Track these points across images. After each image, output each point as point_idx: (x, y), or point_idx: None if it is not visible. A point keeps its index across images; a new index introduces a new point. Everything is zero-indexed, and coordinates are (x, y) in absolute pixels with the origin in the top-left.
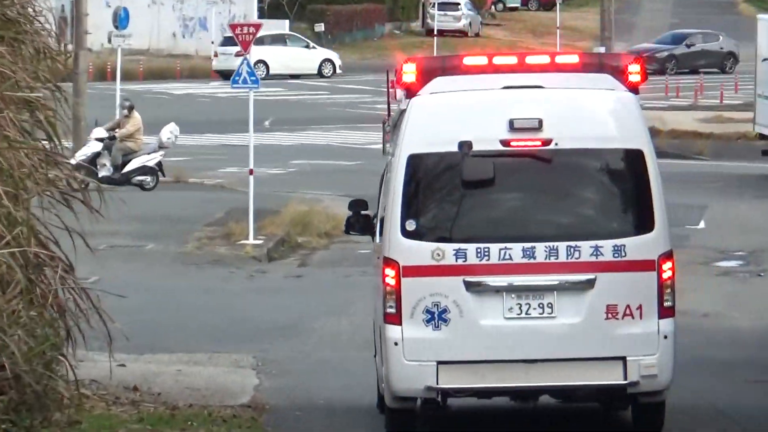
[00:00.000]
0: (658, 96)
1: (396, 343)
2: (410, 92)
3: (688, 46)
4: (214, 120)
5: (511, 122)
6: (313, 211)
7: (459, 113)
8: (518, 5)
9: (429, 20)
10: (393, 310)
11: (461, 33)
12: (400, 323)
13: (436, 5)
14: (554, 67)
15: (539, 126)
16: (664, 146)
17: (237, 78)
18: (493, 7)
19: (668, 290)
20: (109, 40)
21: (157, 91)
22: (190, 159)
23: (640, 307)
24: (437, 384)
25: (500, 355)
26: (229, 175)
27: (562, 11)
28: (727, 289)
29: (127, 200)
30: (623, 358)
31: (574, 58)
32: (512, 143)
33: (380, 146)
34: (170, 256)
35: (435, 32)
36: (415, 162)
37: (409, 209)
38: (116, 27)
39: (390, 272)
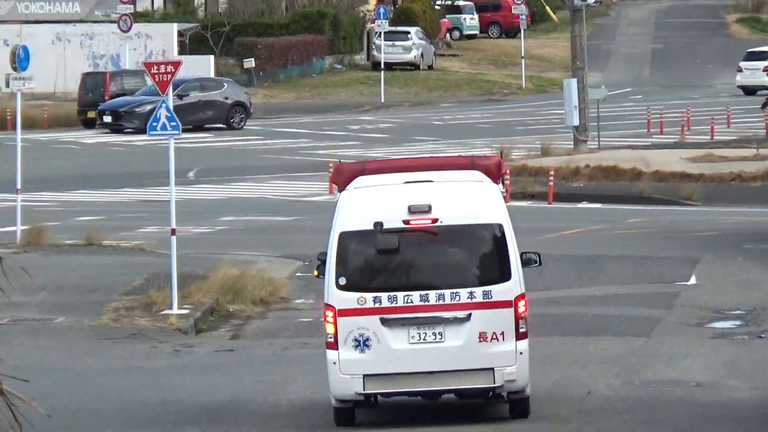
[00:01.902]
0: (639, 133)
1: (334, 363)
2: (340, 187)
3: (181, 97)
4: (130, 172)
5: (409, 207)
6: (246, 275)
7: (374, 201)
8: (477, 33)
9: (375, 52)
10: (332, 339)
11: (412, 66)
12: (336, 348)
13: (382, 35)
14: (441, 167)
15: (429, 209)
16: (648, 191)
17: (155, 124)
18: (448, 35)
19: (522, 320)
20: (7, 84)
21: (65, 141)
22: (104, 218)
23: (503, 333)
24: (364, 390)
25: (407, 369)
26: (148, 235)
27: (528, 38)
28: (724, 355)
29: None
30: (492, 369)
31: (454, 161)
32: (411, 222)
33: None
34: (83, 331)
35: (382, 66)
36: (344, 237)
37: (340, 270)
38: (14, 68)
39: (329, 313)
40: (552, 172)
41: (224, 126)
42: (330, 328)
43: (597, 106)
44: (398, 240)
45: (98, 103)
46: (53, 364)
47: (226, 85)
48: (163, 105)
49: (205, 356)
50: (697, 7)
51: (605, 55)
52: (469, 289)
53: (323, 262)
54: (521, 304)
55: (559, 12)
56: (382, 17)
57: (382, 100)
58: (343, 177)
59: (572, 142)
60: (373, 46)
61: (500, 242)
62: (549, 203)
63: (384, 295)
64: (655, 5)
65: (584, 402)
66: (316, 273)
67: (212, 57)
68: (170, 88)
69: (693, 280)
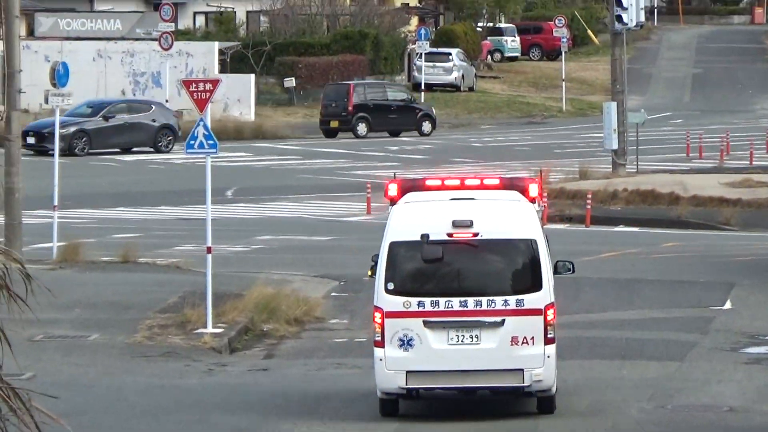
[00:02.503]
0: (678, 157)
1: (381, 359)
2: (392, 201)
3: (107, 119)
4: (168, 190)
5: (453, 221)
6: (281, 295)
7: (422, 215)
8: (518, 55)
9: (416, 73)
10: (379, 338)
11: (452, 87)
12: (383, 346)
13: (423, 56)
14: (483, 186)
15: (471, 224)
16: (685, 215)
17: (192, 142)
18: (489, 57)
19: (550, 327)
20: (46, 100)
21: (103, 158)
22: (141, 235)
23: (533, 338)
24: (406, 384)
25: (446, 367)
26: (185, 253)
27: (569, 61)
28: (758, 380)
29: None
30: (522, 370)
31: (495, 181)
32: (454, 235)
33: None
34: (117, 348)
35: (422, 87)
36: (393, 246)
37: (389, 276)
38: (54, 85)
39: (377, 315)
40: (590, 196)
41: (152, 149)
42: (378, 328)
43: (636, 129)
44: (442, 251)
45: (341, 113)
46: (86, 381)
47: (154, 107)
48: (201, 123)
49: (238, 375)
50: (737, 33)
51: (646, 78)
52: (504, 297)
53: (376, 263)
54: (550, 312)
55: (601, 35)
56: (423, 38)
57: None
58: (394, 192)
59: (611, 166)
60: (414, 67)
61: (533, 256)
62: (586, 226)
63: (427, 300)
64: (696, 30)
65: (617, 425)
66: (369, 273)
67: (253, 76)
68: (209, 107)
69: (728, 305)
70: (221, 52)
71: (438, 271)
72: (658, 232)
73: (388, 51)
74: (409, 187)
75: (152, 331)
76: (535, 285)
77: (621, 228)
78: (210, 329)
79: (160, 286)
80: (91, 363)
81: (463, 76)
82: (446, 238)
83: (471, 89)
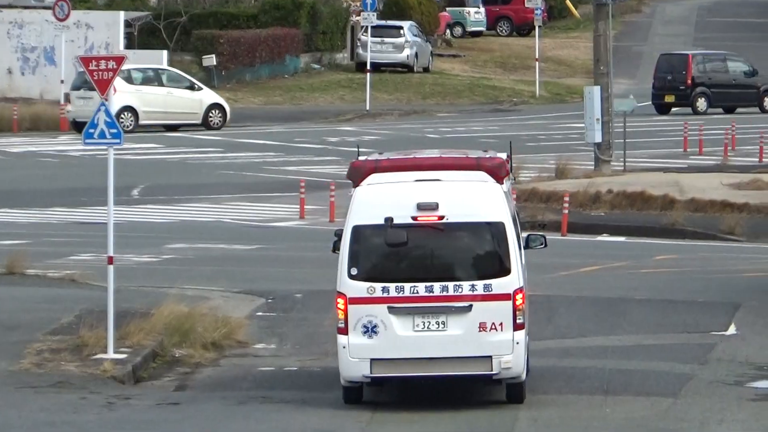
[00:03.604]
0: (674, 153)
1: (344, 347)
2: (355, 183)
3: None
4: (62, 188)
5: (418, 204)
6: (197, 314)
7: (385, 198)
8: (483, 29)
9: (360, 50)
10: (342, 325)
11: (404, 67)
12: (346, 333)
13: (369, 30)
14: (449, 167)
15: (436, 207)
16: (681, 222)
17: (92, 131)
18: (448, 32)
19: (519, 312)
20: None
21: None
22: (30, 242)
23: (501, 324)
24: (371, 373)
25: (412, 355)
26: (81, 264)
27: (544, 37)
28: (767, 420)
29: None
30: (490, 357)
31: (462, 161)
32: (419, 218)
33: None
34: None
35: (368, 67)
36: (356, 230)
37: (352, 261)
38: None
39: (340, 301)
40: (567, 198)
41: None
42: (341, 315)
43: (624, 119)
44: (407, 234)
45: (678, 86)
46: None
47: None
48: (102, 108)
49: (144, 411)
50: (745, 5)
51: (636, 58)
52: (471, 282)
53: (340, 238)
54: (519, 297)
55: (582, 7)
56: (369, 9)
57: (368, 108)
58: (357, 173)
59: (593, 163)
60: (358, 44)
61: (501, 239)
62: (563, 234)
63: (392, 286)
64: (696, 1)
65: None
66: (332, 250)
67: (166, 52)
68: (111, 89)
69: (732, 330)
70: (128, 24)
71: (403, 256)
72: (648, 243)
73: (327, 24)
74: (371, 167)
75: (42, 357)
76: (504, 269)
77: (604, 237)
78: (111, 355)
79: (52, 302)
80: None
81: (416, 54)
82: (411, 221)
83: (426, 70)
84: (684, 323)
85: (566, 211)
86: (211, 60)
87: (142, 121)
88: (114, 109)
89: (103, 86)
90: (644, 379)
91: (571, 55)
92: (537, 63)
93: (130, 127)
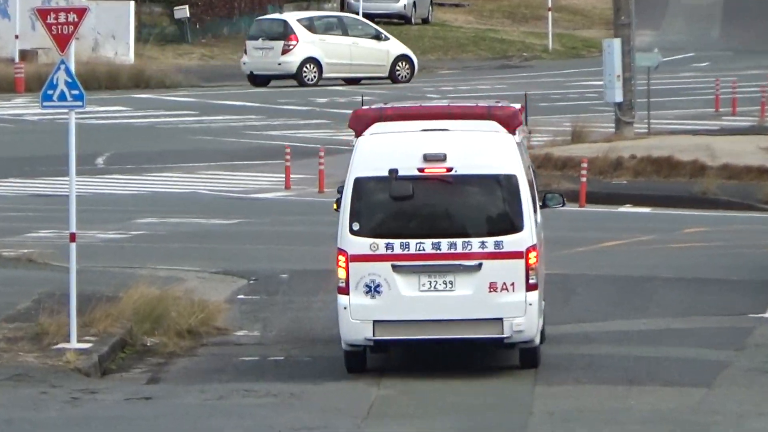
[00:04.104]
0: (704, 113)
1: (345, 308)
2: (357, 133)
3: None
4: (18, 157)
5: (425, 155)
6: (170, 297)
7: (390, 149)
8: None
9: (351, 0)
10: (343, 285)
11: (400, 19)
12: (348, 293)
13: None
14: (458, 116)
15: (444, 158)
16: (713, 191)
17: (51, 92)
18: None
19: (532, 271)
20: None
21: None
22: None
23: (513, 284)
24: (374, 336)
25: (417, 316)
26: (40, 242)
27: None
28: None
29: None
30: (501, 319)
31: (471, 110)
32: (425, 170)
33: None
34: None
35: (360, 17)
36: (359, 183)
37: (354, 216)
38: None
39: (341, 258)
40: (585, 165)
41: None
42: (342, 273)
43: (647, 76)
44: (412, 187)
45: None
46: None
47: None
48: (62, 67)
49: (112, 406)
50: None
51: (661, 6)
52: (480, 239)
53: (342, 195)
54: (532, 255)
55: None
56: None
57: None
58: (360, 122)
59: (613, 125)
60: None
61: (513, 193)
62: (581, 206)
63: (396, 242)
64: None
65: None
66: (335, 207)
67: (132, 3)
68: (72, 44)
69: None
70: None
71: (408, 211)
72: (676, 214)
73: None
74: (375, 116)
75: None
76: (516, 225)
77: (627, 208)
78: (74, 344)
79: (7, 285)
80: None
81: (414, 3)
82: (417, 173)
83: (425, 21)
84: (717, 305)
85: (584, 180)
86: (183, 11)
87: (326, 74)
88: (297, 59)
89: (63, 42)
90: (673, 367)
91: (587, 3)
92: (550, 13)
93: (314, 81)
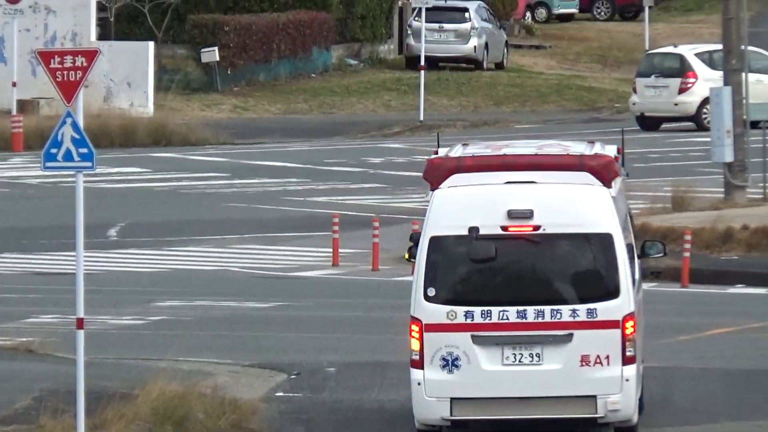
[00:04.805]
0: None
1: (419, 383)
2: (433, 185)
3: None
4: (17, 227)
5: (509, 212)
6: (195, 395)
7: (470, 204)
8: (575, 11)
9: (411, 41)
10: (417, 357)
11: (470, 63)
12: (422, 367)
13: (423, 13)
14: (546, 167)
15: (531, 215)
16: None
17: (54, 150)
18: (529, 15)
19: (630, 343)
20: None
21: None
22: None
23: (607, 357)
24: (451, 415)
25: (500, 393)
26: (41, 328)
27: (656, 21)
28: None
29: None
30: (594, 397)
31: (562, 160)
32: (510, 228)
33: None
34: None
35: (422, 62)
36: (434, 242)
37: (429, 279)
38: None
39: (415, 328)
40: (689, 237)
41: None
42: (415, 345)
43: (763, 131)
44: (495, 248)
45: None
46: None
47: None
48: (69, 120)
49: None
50: None
51: None
52: (571, 307)
53: (416, 244)
54: (629, 324)
55: None
56: None
57: (421, 118)
58: (436, 174)
59: (722, 189)
60: (409, 31)
61: (608, 254)
62: (684, 286)
63: (477, 310)
64: None
65: None
66: (406, 257)
67: (152, 44)
68: (80, 94)
69: None
70: (101, 7)
71: (490, 274)
72: None
73: (367, 6)
74: (453, 166)
75: None
76: (611, 291)
77: (739, 288)
78: None
79: (3, 380)
80: None
81: (486, 45)
82: (500, 232)
83: (499, 66)
84: None
85: (688, 254)
86: (212, 54)
87: None
88: (697, 100)
89: (70, 90)
90: None
91: (693, 41)
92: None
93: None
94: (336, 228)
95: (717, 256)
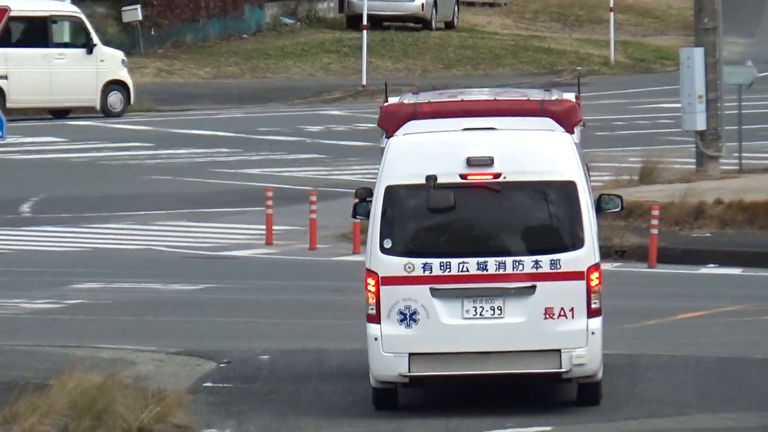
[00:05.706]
0: None
1: (376, 339)
2: (388, 132)
3: None
4: None
5: (468, 159)
6: (116, 386)
7: (427, 152)
8: None
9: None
10: (373, 312)
11: (417, 22)
12: (378, 322)
13: None
14: (506, 112)
15: (491, 162)
16: None
17: None
18: None
19: (595, 295)
20: None
21: None
22: None
23: (572, 309)
24: (409, 372)
25: (460, 348)
26: None
27: None
28: None
29: None
30: (558, 351)
31: (522, 105)
32: (469, 177)
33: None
34: None
35: (365, 21)
36: (390, 192)
37: (385, 230)
38: None
39: (371, 281)
40: (657, 212)
41: None
42: (371, 299)
43: (739, 97)
44: (454, 197)
45: None
46: None
47: None
48: None
49: None
50: None
51: (756, 8)
52: (534, 257)
53: (363, 200)
54: (594, 276)
55: None
56: None
57: (364, 82)
58: (392, 121)
59: (693, 160)
60: None
61: (572, 203)
62: (651, 266)
63: (435, 262)
64: None
65: None
66: (353, 215)
67: (68, 2)
68: None
69: None
70: None
71: (449, 224)
72: None
73: None
74: (409, 112)
75: None
76: (575, 241)
77: (711, 268)
78: None
79: None
80: None
81: (435, 2)
82: (459, 180)
83: (450, 26)
84: None
85: (655, 232)
86: (134, 13)
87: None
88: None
89: None
90: None
91: (661, 2)
92: (612, 14)
93: None
94: (270, 203)
95: (687, 233)
